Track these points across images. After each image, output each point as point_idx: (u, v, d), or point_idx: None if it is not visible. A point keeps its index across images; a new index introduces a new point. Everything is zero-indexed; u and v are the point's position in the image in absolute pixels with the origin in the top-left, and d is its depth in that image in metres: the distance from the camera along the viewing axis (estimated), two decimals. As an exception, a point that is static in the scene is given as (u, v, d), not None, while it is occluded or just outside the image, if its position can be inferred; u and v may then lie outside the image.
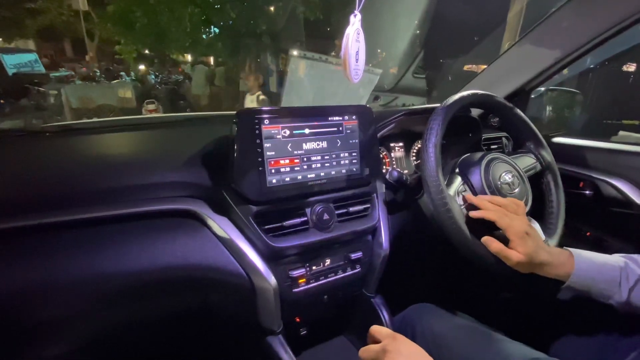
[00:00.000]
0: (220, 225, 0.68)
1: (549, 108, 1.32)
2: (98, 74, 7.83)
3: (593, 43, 0.94)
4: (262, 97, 3.92)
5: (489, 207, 0.67)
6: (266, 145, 0.68)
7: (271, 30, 6.75)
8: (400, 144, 1.04)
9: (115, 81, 7.34)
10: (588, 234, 1.05)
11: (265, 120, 0.68)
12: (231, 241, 0.68)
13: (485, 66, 1.18)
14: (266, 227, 0.69)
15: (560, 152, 0.92)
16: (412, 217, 0.90)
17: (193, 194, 0.71)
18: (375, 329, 0.56)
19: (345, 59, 0.53)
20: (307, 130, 0.73)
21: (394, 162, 1.03)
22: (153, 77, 9.14)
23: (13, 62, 5.89)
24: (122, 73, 8.63)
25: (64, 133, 0.81)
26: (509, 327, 0.84)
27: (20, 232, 0.57)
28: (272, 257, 0.71)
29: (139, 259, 0.63)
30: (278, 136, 0.70)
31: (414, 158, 1.06)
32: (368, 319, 0.87)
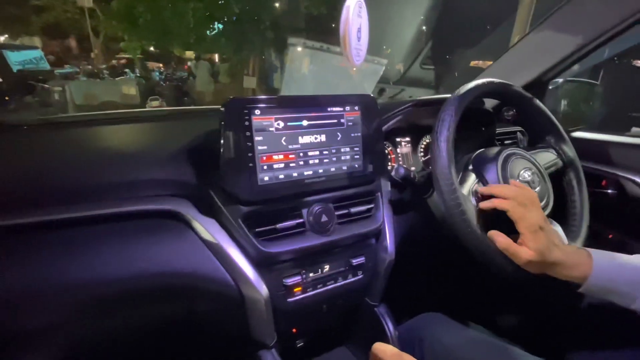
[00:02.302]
0: (207, 228, 0.62)
1: (566, 101, 1.24)
2: (103, 70, 7.86)
3: (618, 29, 0.86)
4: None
5: (502, 195, 0.59)
6: (257, 138, 0.61)
7: (275, 26, 6.68)
8: (407, 139, 0.97)
9: (119, 78, 7.34)
10: (610, 235, 0.97)
11: (256, 111, 0.61)
12: (218, 246, 0.61)
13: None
14: (257, 229, 0.63)
15: (581, 148, 0.84)
16: (421, 218, 0.82)
17: (177, 192, 0.64)
18: (378, 348, 0.49)
19: (345, 36, 0.46)
20: (303, 122, 0.66)
21: (400, 159, 0.95)
22: (157, 73, 9.14)
23: (18, 59, 5.89)
24: (127, 70, 8.64)
25: (42, 127, 0.75)
26: (525, 340, 0.78)
27: None
28: (263, 264, 0.64)
29: (116, 265, 0.57)
30: (271, 128, 0.63)
31: (422, 154, 0.99)
32: (371, 330, 0.80)
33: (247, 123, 0.60)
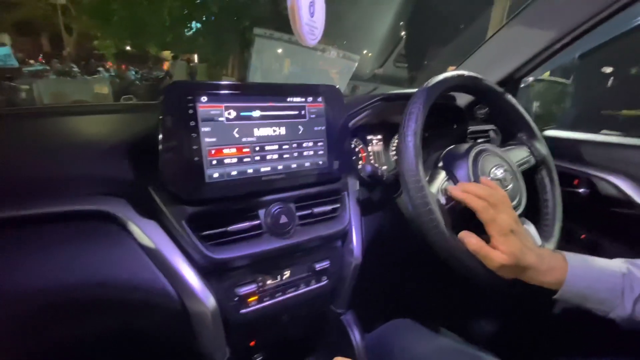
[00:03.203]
0: (145, 232, 0.54)
1: (538, 100, 1.23)
2: (75, 69, 7.53)
3: (592, 22, 0.84)
4: None
5: (474, 193, 0.55)
6: (204, 129, 0.54)
7: (255, 26, 6.61)
8: (379, 137, 0.92)
9: (92, 76, 7.05)
10: (583, 236, 0.95)
11: (203, 98, 0.54)
12: (157, 252, 0.54)
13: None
14: (204, 233, 0.55)
15: (553, 146, 0.82)
16: (389, 219, 0.77)
17: (112, 191, 0.56)
18: None
19: (293, 9, 0.39)
20: (258, 113, 0.60)
21: (370, 157, 0.90)
22: (133, 72, 8.86)
23: (-16, 57, 5.57)
24: (100, 68, 8.33)
25: None
26: (499, 347, 0.74)
27: None
28: (212, 271, 0.57)
29: (38, 274, 0.49)
30: (220, 118, 0.56)
31: (394, 152, 0.94)
32: (337, 340, 0.74)
33: (191, 111, 0.53)
